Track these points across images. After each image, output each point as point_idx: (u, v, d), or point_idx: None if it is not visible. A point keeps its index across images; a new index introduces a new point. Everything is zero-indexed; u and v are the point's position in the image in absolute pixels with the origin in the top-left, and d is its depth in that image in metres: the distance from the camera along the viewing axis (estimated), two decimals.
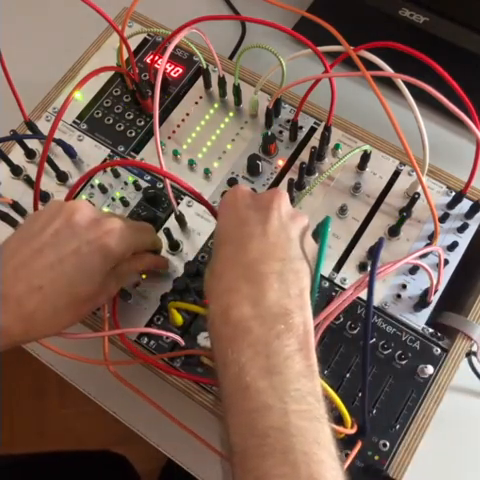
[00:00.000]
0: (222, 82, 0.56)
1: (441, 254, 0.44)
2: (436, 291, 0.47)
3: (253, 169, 0.54)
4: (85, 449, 0.83)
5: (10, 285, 0.38)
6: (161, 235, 0.51)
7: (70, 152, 0.56)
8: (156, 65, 0.58)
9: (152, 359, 0.47)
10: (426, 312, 0.49)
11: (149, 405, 0.48)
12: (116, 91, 0.60)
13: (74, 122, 0.59)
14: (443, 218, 0.51)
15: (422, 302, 0.48)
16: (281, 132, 0.56)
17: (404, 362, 0.47)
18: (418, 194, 0.50)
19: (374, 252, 0.37)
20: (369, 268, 0.45)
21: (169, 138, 0.57)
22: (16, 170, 0.56)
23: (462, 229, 0.51)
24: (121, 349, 0.50)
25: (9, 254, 0.40)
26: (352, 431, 0.43)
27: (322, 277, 0.50)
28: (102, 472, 0.79)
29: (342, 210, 0.52)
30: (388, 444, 0.45)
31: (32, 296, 0.38)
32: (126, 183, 0.55)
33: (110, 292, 0.44)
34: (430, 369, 0.46)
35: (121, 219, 0.43)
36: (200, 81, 0.59)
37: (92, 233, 0.41)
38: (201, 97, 0.59)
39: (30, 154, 0.57)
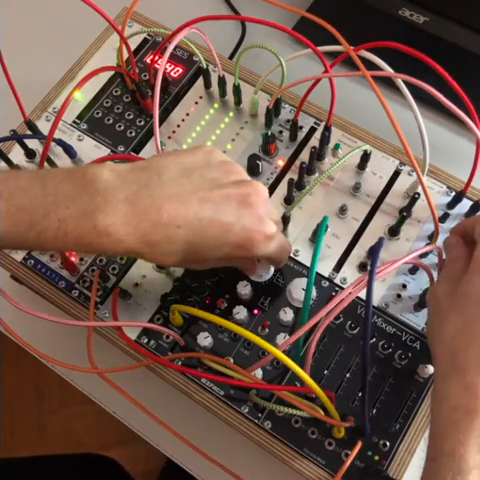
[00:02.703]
0: (222, 82, 0.56)
1: (441, 253, 0.44)
2: None
3: (253, 169, 0.54)
4: (74, 452, 0.83)
5: (158, 197, 0.38)
6: None
7: (70, 152, 0.56)
8: (156, 65, 0.58)
9: (153, 356, 0.47)
10: (426, 312, 0.49)
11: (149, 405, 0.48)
12: (116, 91, 0.60)
13: (74, 122, 0.59)
14: (443, 218, 0.51)
15: (422, 302, 0.48)
16: (281, 132, 0.56)
17: (404, 362, 0.47)
18: (418, 194, 0.50)
19: (374, 251, 0.37)
20: (369, 268, 0.45)
21: (169, 138, 0.57)
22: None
23: None
24: (121, 349, 0.50)
25: (186, 167, 0.40)
26: (346, 424, 0.43)
27: (322, 277, 0.50)
28: (92, 476, 0.79)
29: (342, 210, 0.52)
30: (388, 444, 0.45)
31: (160, 228, 0.38)
32: None
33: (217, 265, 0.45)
34: (430, 369, 0.46)
35: (278, 228, 0.44)
36: (200, 81, 0.59)
37: (258, 224, 0.41)
38: (201, 97, 0.59)
39: (30, 154, 0.57)
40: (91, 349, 0.47)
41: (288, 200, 0.53)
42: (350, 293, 0.38)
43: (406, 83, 0.43)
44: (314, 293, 0.49)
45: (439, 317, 0.40)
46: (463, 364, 0.36)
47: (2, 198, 0.35)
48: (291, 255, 0.51)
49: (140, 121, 0.58)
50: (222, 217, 0.39)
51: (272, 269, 0.50)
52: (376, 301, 0.49)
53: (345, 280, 0.50)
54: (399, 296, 0.49)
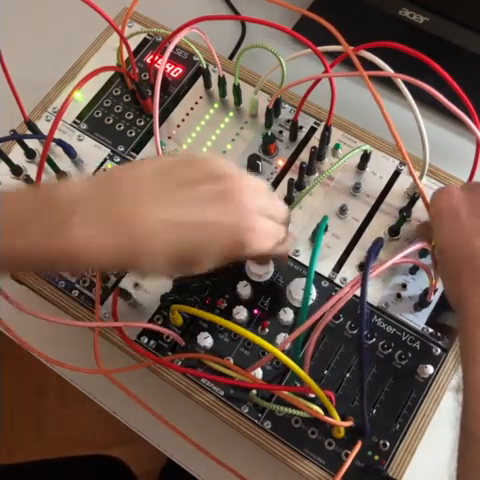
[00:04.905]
0: (222, 82, 0.56)
1: (431, 250, 0.44)
2: (436, 291, 0.47)
3: (253, 169, 0.54)
4: (80, 455, 0.83)
5: (143, 202, 0.35)
6: None
7: (70, 152, 0.56)
8: (156, 65, 0.58)
9: (154, 357, 0.47)
10: (426, 312, 0.49)
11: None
12: (116, 91, 0.60)
13: (74, 122, 0.59)
14: None
15: (422, 302, 0.48)
16: (281, 132, 0.56)
17: (404, 362, 0.47)
18: (418, 194, 0.50)
19: (369, 250, 0.38)
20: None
21: (169, 138, 0.57)
22: (16, 170, 0.56)
23: None
24: (121, 349, 0.50)
25: (158, 170, 0.37)
26: (347, 424, 0.43)
27: (322, 277, 0.50)
28: (99, 477, 0.79)
29: (342, 210, 0.52)
30: (388, 444, 0.45)
31: (137, 237, 0.35)
32: None
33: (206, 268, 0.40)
34: (430, 369, 0.46)
35: (278, 222, 0.41)
36: (200, 81, 0.59)
37: (243, 219, 0.37)
38: (201, 97, 0.59)
39: (30, 154, 0.57)
40: (97, 349, 0.47)
41: (288, 200, 0.53)
42: (347, 292, 0.38)
43: (406, 83, 0.43)
44: (314, 293, 0.49)
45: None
46: None
47: None
48: (291, 255, 0.51)
49: (140, 121, 0.58)
50: (203, 218, 0.36)
51: (272, 269, 0.50)
52: (376, 301, 0.49)
53: (345, 280, 0.50)
54: (399, 296, 0.49)
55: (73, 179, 0.37)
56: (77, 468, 0.80)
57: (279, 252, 0.43)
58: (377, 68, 0.44)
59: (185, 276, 0.51)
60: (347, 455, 0.44)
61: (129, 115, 0.58)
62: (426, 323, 0.48)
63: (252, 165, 0.54)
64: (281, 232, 0.42)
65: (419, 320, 0.49)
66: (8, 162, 0.55)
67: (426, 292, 0.47)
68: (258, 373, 0.47)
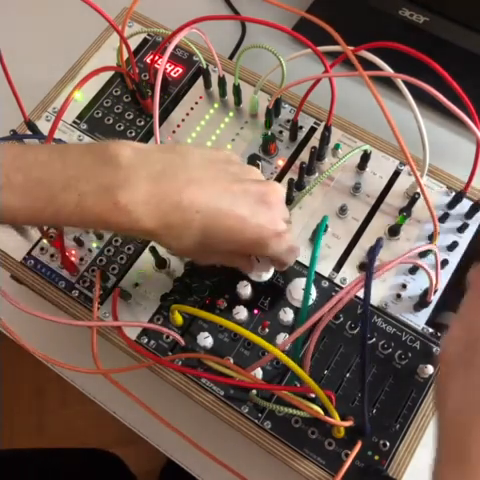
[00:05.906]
0: (222, 82, 0.56)
1: (437, 252, 0.44)
2: (436, 291, 0.47)
3: None
4: (78, 447, 0.83)
5: (177, 179, 0.38)
6: None
7: None
8: (156, 65, 0.58)
9: (154, 357, 0.47)
10: (426, 312, 0.49)
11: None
12: (116, 91, 0.60)
13: (74, 122, 0.59)
14: (443, 218, 0.51)
15: (422, 302, 0.48)
16: (281, 132, 0.56)
17: (404, 362, 0.47)
18: (418, 194, 0.50)
19: (371, 251, 0.38)
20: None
21: (169, 138, 0.57)
22: None
23: (462, 229, 0.51)
24: (121, 349, 0.50)
25: (206, 158, 0.41)
26: (347, 424, 0.43)
27: (322, 277, 0.50)
28: (95, 471, 0.79)
29: (342, 210, 0.52)
30: (388, 444, 0.45)
31: (179, 211, 0.37)
32: None
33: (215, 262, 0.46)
34: (430, 369, 0.46)
35: (289, 230, 0.44)
36: (200, 81, 0.59)
37: (272, 223, 0.41)
38: (201, 97, 0.59)
39: None
40: (95, 349, 0.47)
41: (288, 200, 0.53)
42: (348, 293, 0.38)
43: (406, 83, 0.43)
44: (314, 293, 0.49)
45: (446, 374, 0.33)
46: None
47: (20, 172, 0.34)
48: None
49: (140, 121, 0.58)
50: (239, 210, 0.39)
51: (272, 269, 0.50)
52: (376, 301, 0.49)
53: (345, 280, 0.50)
54: (399, 296, 0.49)
55: (136, 143, 0.39)
56: (74, 460, 0.80)
57: (286, 257, 0.45)
58: (377, 68, 0.44)
59: (184, 276, 0.51)
60: (347, 455, 0.44)
61: (129, 115, 0.58)
62: (426, 323, 0.49)
63: (252, 165, 0.53)
64: (292, 239, 0.45)
65: (419, 320, 0.49)
66: None
67: (426, 292, 0.47)
68: (258, 373, 0.47)
